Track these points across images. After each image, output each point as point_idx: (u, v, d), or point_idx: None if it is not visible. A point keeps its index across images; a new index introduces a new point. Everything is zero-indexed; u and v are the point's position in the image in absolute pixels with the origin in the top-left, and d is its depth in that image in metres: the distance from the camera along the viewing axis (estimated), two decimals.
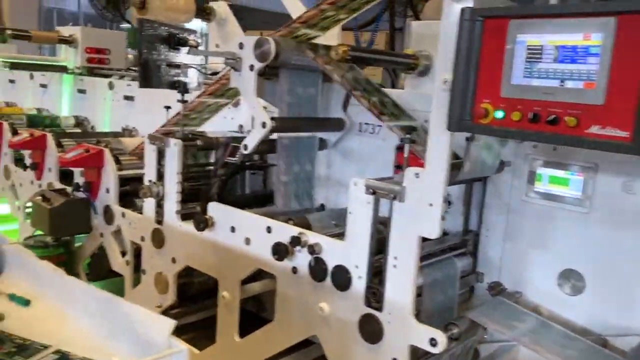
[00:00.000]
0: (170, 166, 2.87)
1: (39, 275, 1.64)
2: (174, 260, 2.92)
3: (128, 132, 4.48)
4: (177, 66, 2.60)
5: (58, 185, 3.77)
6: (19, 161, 4.25)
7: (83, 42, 4.93)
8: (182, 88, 2.83)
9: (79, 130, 4.80)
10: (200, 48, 3.12)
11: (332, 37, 3.05)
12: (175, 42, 2.54)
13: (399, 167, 2.79)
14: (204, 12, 3.49)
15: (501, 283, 2.47)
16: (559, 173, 2.27)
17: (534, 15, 1.46)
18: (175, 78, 2.66)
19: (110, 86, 4.65)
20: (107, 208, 3.34)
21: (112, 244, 3.35)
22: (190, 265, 2.86)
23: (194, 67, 2.77)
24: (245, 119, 3.64)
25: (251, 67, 2.49)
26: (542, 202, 2.33)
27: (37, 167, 3.89)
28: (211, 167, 3.25)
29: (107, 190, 3.33)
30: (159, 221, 2.98)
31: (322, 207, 3.10)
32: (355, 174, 2.96)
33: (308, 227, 2.52)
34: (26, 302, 1.58)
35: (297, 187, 2.80)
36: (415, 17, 4.99)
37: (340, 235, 2.39)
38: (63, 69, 5.00)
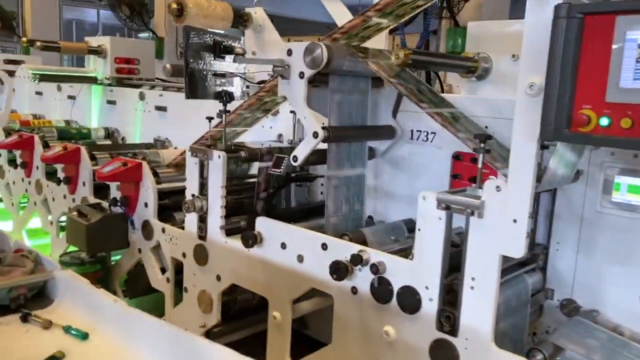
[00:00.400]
0: (214, 179, 2.74)
1: (96, 305, 1.51)
2: (218, 278, 2.78)
3: (160, 143, 4.38)
4: (223, 75, 2.47)
5: (93, 199, 3.66)
6: (50, 175, 4.17)
7: (112, 52, 4.86)
8: (226, 98, 2.70)
9: (110, 143, 4.71)
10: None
11: (378, 41, 2.91)
12: (221, 50, 2.42)
13: (455, 177, 2.64)
14: (241, 18, 3.37)
15: (575, 300, 2.29)
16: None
17: None
18: (221, 88, 2.53)
19: (141, 96, 4.56)
20: (145, 223, 3.22)
21: (151, 260, 3.23)
22: (236, 284, 2.72)
23: (239, 76, 2.63)
24: (285, 127, 3.54)
25: (301, 75, 2.35)
26: (620, 213, 2.15)
27: (71, 181, 3.79)
28: (254, 179, 3.13)
29: (146, 205, 3.22)
30: (202, 237, 2.85)
31: (370, 220, 2.95)
32: (405, 185, 2.84)
33: (364, 242, 2.37)
34: (84, 336, 1.46)
35: (349, 197, 2.65)
36: (452, 18, 4.82)
37: (403, 252, 2.25)
38: (92, 80, 4.92)
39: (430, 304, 1.95)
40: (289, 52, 2.38)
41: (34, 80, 4.63)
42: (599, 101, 1.40)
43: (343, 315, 2.25)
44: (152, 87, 4.60)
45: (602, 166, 2.18)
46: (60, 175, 3.89)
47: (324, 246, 2.27)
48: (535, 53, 1.60)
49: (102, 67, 4.94)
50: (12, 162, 4.80)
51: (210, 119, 2.88)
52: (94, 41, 4.97)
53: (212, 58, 2.45)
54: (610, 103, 1.39)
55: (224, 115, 2.84)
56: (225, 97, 2.57)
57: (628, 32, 1.34)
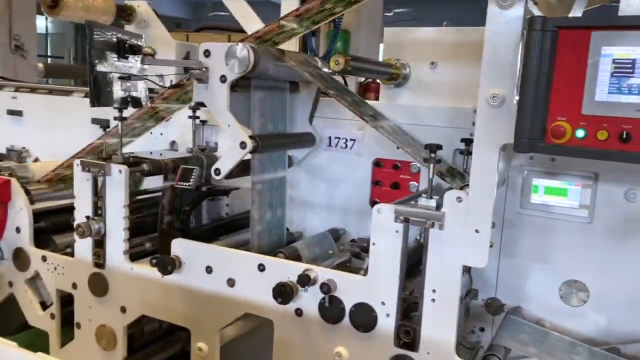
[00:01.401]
0: (114, 197, 2.38)
1: None
2: (123, 310, 2.44)
3: (16, 153, 3.76)
4: (128, 78, 2.15)
5: None
6: None
7: None
8: (121, 104, 2.36)
9: None
10: None
11: (289, 45, 2.78)
12: (126, 49, 2.09)
13: (376, 184, 2.62)
14: (124, 12, 3.00)
15: (499, 299, 2.39)
16: (556, 183, 2.25)
17: (624, 26, 1.35)
18: (126, 93, 2.20)
19: None
20: (18, 251, 2.71)
21: (27, 294, 2.73)
22: (148, 315, 2.40)
23: (148, 79, 2.31)
24: (178, 134, 3.24)
25: (223, 79, 2.13)
26: (539, 214, 2.29)
27: None
28: (152, 194, 2.81)
29: (17, 230, 2.71)
30: (99, 264, 2.47)
31: (287, 231, 2.80)
32: (324, 194, 2.75)
33: (299, 258, 2.23)
34: None
35: (273, 203, 2.48)
36: (332, 21, 4.83)
37: (342, 266, 2.16)
38: None
39: (387, 320, 1.88)
40: (207, 54, 2.15)
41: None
42: (575, 113, 1.44)
43: (285, 340, 2.08)
44: (0, 87, 3.92)
45: (521, 170, 2.30)
46: None
47: (261, 267, 2.09)
48: (497, 64, 1.61)
49: None
50: None
51: (103, 124, 2.51)
52: None
53: (116, 59, 2.12)
54: (586, 115, 1.43)
55: (120, 124, 2.49)
56: (132, 103, 2.24)
57: (603, 47, 1.39)
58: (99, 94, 2.11)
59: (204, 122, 2.97)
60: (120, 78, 2.14)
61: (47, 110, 3.65)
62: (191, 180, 2.50)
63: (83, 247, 2.51)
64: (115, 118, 2.47)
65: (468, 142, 2.25)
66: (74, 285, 2.56)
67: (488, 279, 2.41)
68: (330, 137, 2.69)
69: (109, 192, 2.39)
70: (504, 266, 2.37)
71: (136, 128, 2.93)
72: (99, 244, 2.46)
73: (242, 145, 2.15)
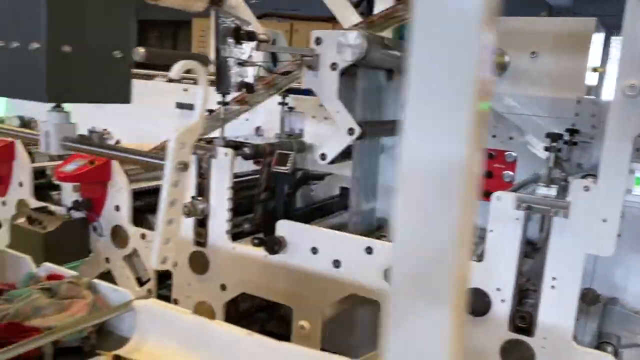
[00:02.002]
0: (219, 179, 2.46)
1: (189, 332, 1.26)
2: (223, 288, 2.52)
3: (97, 135, 3.87)
4: (243, 64, 2.21)
5: (35, 202, 3.13)
6: None
7: None
8: (224, 88, 2.42)
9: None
10: None
11: None
12: (243, 36, 2.15)
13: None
14: None
15: (594, 290, 2.41)
16: None
17: None
18: (241, 78, 2.27)
19: None
20: (117, 229, 2.83)
21: (125, 271, 2.84)
22: (247, 292, 2.49)
23: (260, 65, 2.38)
24: (264, 120, 3.31)
25: (333, 66, 2.18)
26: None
27: (0, 182, 3.21)
28: (246, 177, 2.88)
29: (117, 208, 2.82)
30: (201, 243, 2.56)
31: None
32: None
33: None
34: None
35: (367, 192, 2.53)
36: None
37: None
38: None
39: (501, 306, 1.91)
40: (318, 41, 2.20)
41: None
42: None
43: None
44: None
45: None
46: None
47: (369, 250, 2.14)
48: (635, 55, 1.62)
49: None
50: None
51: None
52: None
53: (234, 45, 2.18)
54: None
55: (222, 108, 2.56)
56: (246, 88, 2.31)
57: None
58: (222, 80, 2.18)
59: (291, 109, 3.03)
60: (239, 64, 2.21)
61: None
62: (288, 164, 2.58)
63: (184, 226, 2.59)
64: (219, 102, 2.55)
65: (572, 132, 2.25)
66: (174, 263, 2.66)
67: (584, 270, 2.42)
68: None
69: (214, 173, 2.47)
70: (601, 257, 2.38)
71: (231, 113, 3.00)
72: (202, 224, 2.54)
73: (350, 131, 2.20)
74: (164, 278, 2.79)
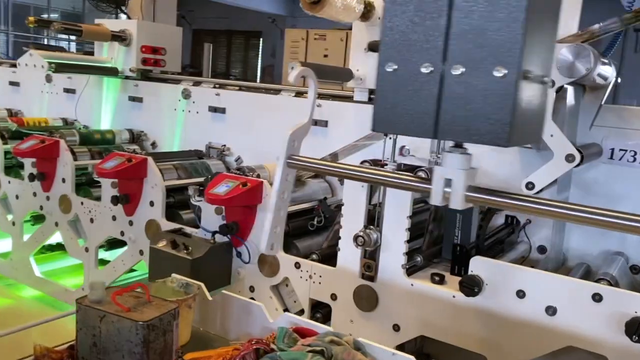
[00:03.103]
0: (397, 207, 2.22)
1: None
2: (396, 328, 2.27)
3: (217, 151, 3.71)
4: None
5: (74, 197, 3.34)
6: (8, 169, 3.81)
7: (139, 39, 4.07)
8: None
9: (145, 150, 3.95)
10: None
11: None
12: None
13: None
14: (366, 9, 2.85)
15: None
16: None
17: None
18: None
19: (185, 94, 3.84)
20: (265, 256, 2.61)
21: (273, 300, 2.62)
22: (427, 335, 2.22)
23: None
24: (408, 140, 3.04)
25: (551, 84, 1.91)
26: None
27: (129, 201, 3.06)
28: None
29: None
30: (369, 276, 2.32)
31: (543, 250, 2.56)
32: None
33: (617, 286, 1.98)
34: None
35: (560, 231, 2.25)
36: None
37: None
38: (112, 72, 4.10)
39: None
40: None
41: (50, 70, 3.75)
42: None
43: None
44: (198, 84, 3.89)
45: None
46: (29, 170, 3.52)
47: (597, 297, 1.85)
48: None
49: (124, 57, 4.14)
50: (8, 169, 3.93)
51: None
52: (112, 24, 4.15)
53: None
54: None
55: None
56: None
57: None
58: None
59: None
60: None
61: (253, 108, 3.57)
62: None
63: (347, 257, 2.36)
64: None
65: None
66: (333, 297, 2.42)
67: None
68: (612, 149, 2.42)
69: (390, 200, 2.23)
70: None
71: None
72: (371, 256, 2.30)
73: (569, 158, 1.92)
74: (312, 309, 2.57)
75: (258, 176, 2.70)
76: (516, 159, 2.65)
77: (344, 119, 3.18)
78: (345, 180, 2.36)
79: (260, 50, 15.62)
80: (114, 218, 3.19)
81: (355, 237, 2.25)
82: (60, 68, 3.75)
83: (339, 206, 3.04)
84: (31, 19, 3.77)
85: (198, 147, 3.81)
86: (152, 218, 3.02)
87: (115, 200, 3.01)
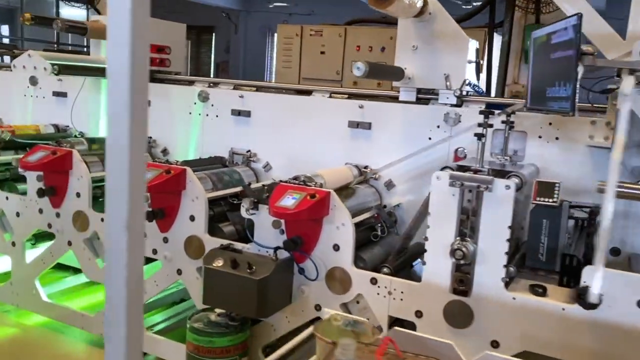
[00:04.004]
0: (496, 216, 2.08)
1: None
2: (495, 345, 2.13)
3: (243, 158, 3.45)
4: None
5: (91, 212, 3.06)
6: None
7: None
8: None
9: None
10: None
11: None
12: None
13: None
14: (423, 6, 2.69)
15: None
16: None
17: None
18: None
19: (202, 97, 3.56)
20: (335, 271, 2.42)
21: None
22: (532, 351, 2.10)
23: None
24: (466, 141, 2.91)
25: None
26: None
27: (164, 215, 2.78)
28: None
29: (336, 248, 2.41)
30: (462, 291, 2.17)
31: (616, 252, 2.49)
32: None
33: None
34: None
35: None
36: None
37: None
38: None
39: None
40: None
41: (53, 72, 3.37)
42: None
43: None
44: (215, 85, 3.62)
45: None
46: (35, 184, 3.16)
47: None
48: None
49: None
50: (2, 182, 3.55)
51: (480, 135, 2.21)
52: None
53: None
54: None
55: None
56: None
57: None
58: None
59: (511, 127, 2.64)
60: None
61: (282, 110, 3.34)
62: (555, 195, 2.21)
63: (435, 270, 2.20)
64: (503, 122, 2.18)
65: None
66: (418, 313, 2.26)
67: None
68: None
69: (489, 210, 2.08)
70: None
71: None
72: (463, 268, 2.16)
73: None
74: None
75: (321, 186, 2.49)
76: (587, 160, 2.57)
77: (389, 121, 3.01)
78: (432, 187, 2.20)
79: (213, 45, 15.18)
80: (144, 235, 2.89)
81: (453, 251, 2.10)
82: (65, 69, 3.38)
83: (390, 213, 2.90)
84: (27, 15, 3.39)
85: (217, 153, 3.55)
86: (193, 234, 2.76)
87: (151, 216, 2.73)
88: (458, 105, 2.83)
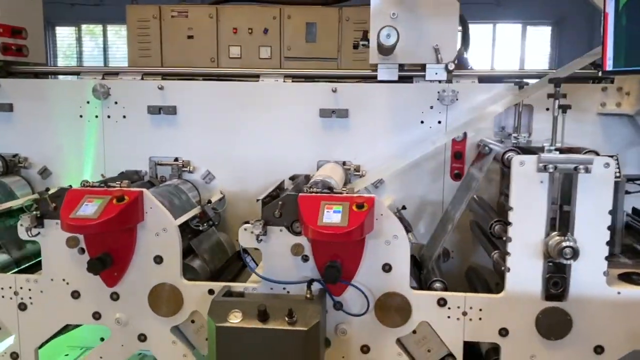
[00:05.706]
0: (595, 202, 1.75)
1: None
2: (599, 350, 1.82)
3: (170, 168, 2.62)
4: None
5: (188, 285, 1.93)
6: None
7: None
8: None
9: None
10: None
11: None
12: None
13: None
14: None
15: None
16: None
17: None
18: None
19: (100, 93, 2.62)
20: (386, 301, 1.86)
21: (400, 358, 1.90)
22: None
23: None
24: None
25: None
26: None
27: (114, 262, 1.91)
28: None
29: (387, 268, 1.86)
30: (556, 295, 1.81)
31: None
32: None
33: None
34: None
35: None
36: None
37: None
38: None
39: None
40: None
41: None
42: None
43: None
44: (115, 74, 2.69)
45: None
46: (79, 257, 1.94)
47: None
48: None
49: None
50: None
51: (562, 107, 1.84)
52: None
53: None
54: None
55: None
56: None
57: None
58: None
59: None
60: None
61: (221, 103, 2.61)
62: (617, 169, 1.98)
63: (523, 275, 1.81)
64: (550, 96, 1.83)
65: None
66: (503, 332, 1.84)
67: None
68: None
69: (584, 194, 1.75)
70: None
71: None
72: (559, 268, 1.80)
73: None
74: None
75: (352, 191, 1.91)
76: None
77: (368, 105, 2.51)
78: (513, 176, 1.78)
79: None
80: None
81: (560, 250, 1.71)
82: None
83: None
84: None
85: (129, 167, 2.66)
86: (162, 281, 1.94)
87: (99, 265, 1.83)
88: (449, 81, 2.47)
